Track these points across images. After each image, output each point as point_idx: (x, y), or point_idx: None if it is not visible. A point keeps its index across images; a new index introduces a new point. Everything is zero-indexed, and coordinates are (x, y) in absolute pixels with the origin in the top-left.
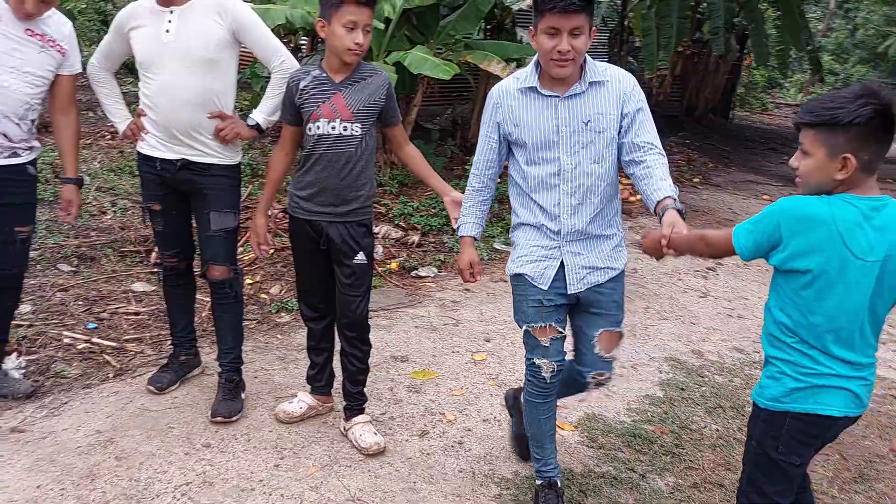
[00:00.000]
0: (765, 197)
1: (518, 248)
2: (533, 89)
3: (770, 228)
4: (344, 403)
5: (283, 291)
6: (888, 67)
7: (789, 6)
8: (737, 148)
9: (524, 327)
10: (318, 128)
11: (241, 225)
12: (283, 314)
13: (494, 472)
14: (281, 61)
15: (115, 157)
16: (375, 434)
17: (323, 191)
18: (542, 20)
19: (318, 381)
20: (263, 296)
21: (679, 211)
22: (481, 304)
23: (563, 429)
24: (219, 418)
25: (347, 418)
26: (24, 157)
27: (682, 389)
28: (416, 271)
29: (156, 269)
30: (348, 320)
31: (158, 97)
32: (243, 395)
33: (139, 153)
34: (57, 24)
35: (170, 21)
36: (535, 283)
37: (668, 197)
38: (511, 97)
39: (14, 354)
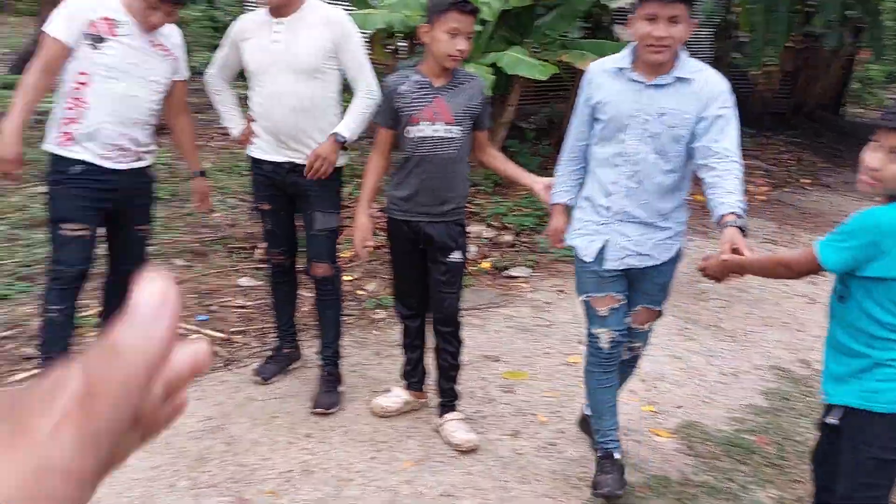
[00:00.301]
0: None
1: (575, 222)
2: (622, 71)
3: (867, 243)
4: (438, 400)
5: (379, 288)
6: None
7: (875, 17)
8: (850, 147)
9: (582, 297)
10: (420, 131)
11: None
12: (378, 310)
13: (587, 475)
14: (368, 89)
15: (224, 157)
16: (469, 431)
17: (423, 192)
18: (642, 7)
19: (413, 376)
20: (361, 292)
21: (741, 229)
22: (574, 305)
23: (659, 435)
24: (319, 410)
25: (441, 415)
26: (147, 161)
27: (787, 399)
28: (508, 271)
29: (261, 266)
30: (442, 315)
31: (267, 104)
32: (341, 388)
33: (250, 156)
34: (170, 33)
35: (277, 31)
36: (580, 256)
37: (732, 213)
38: (603, 75)
39: None
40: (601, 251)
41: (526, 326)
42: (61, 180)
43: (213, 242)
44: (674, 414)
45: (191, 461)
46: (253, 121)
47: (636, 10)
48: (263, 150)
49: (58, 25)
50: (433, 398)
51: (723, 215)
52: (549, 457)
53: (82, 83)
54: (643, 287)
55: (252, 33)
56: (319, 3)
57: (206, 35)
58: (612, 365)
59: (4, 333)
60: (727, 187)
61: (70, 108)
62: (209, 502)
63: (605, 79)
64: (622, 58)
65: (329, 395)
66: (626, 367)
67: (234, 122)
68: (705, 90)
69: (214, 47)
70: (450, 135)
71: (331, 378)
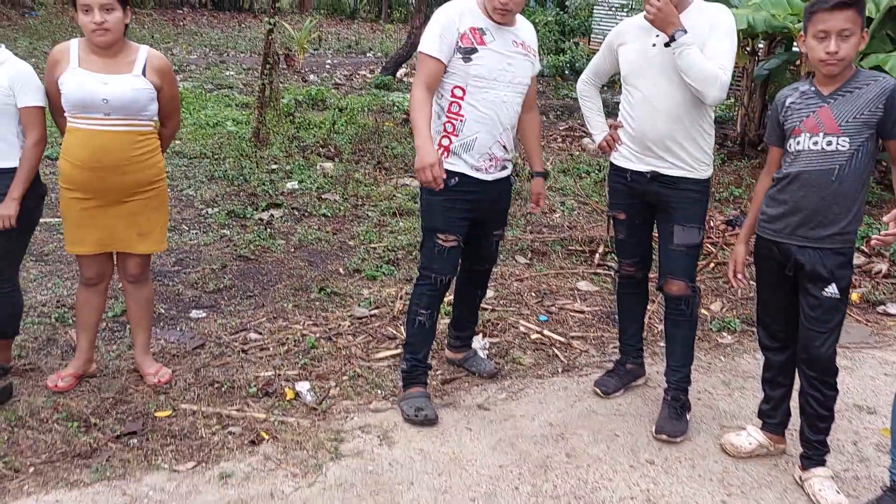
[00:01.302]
0: None
1: None
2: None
3: None
4: (800, 450)
5: (724, 309)
6: None
7: None
8: None
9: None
10: (799, 143)
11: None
12: (724, 334)
13: None
14: (720, 65)
15: (565, 159)
16: (838, 493)
17: (797, 211)
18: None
19: (772, 417)
20: (704, 311)
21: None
22: None
23: None
24: (663, 436)
25: (805, 467)
26: (510, 169)
27: None
28: (883, 306)
29: (600, 271)
30: (808, 356)
31: (638, 108)
32: (688, 416)
33: (611, 163)
34: (528, 30)
35: (657, 35)
36: None
37: None
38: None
39: (480, 335)
40: None
41: None
42: (440, 191)
43: (553, 243)
44: None
45: (533, 467)
46: (619, 126)
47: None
48: (626, 157)
49: (432, 43)
50: (793, 445)
51: None
52: None
53: (458, 97)
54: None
55: (630, 37)
56: (707, 4)
57: (552, 39)
58: None
59: (373, 311)
60: None
61: (448, 122)
62: None
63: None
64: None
65: (675, 421)
66: None
67: (598, 129)
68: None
69: (559, 51)
70: (832, 147)
71: (677, 404)
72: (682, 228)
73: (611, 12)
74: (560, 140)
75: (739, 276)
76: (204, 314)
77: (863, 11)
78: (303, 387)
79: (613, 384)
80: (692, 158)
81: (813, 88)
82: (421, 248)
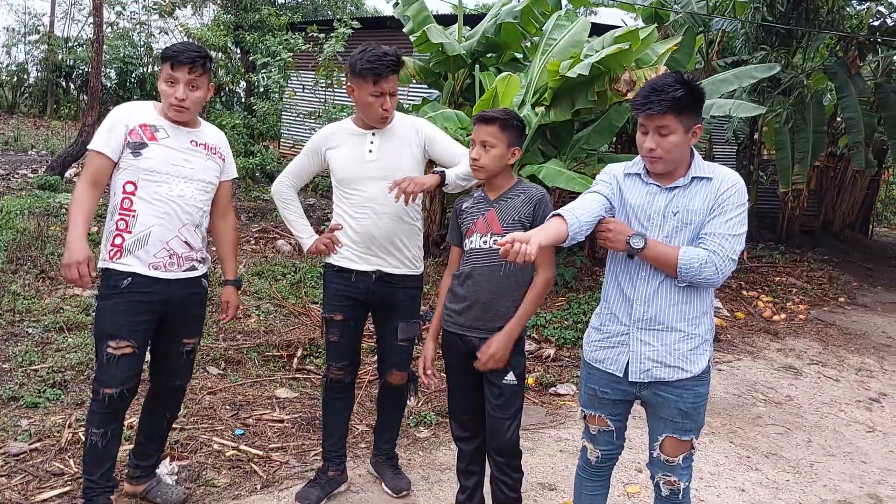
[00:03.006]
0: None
1: (593, 332)
2: (637, 175)
3: None
4: None
5: (420, 404)
6: None
7: None
8: (880, 266)
9: (580, 407)
10: (472, 242)
11: None
12: (421, 428)
13: None
14: (464, 152)
15: (259, 261)
16: None
17: (475, 304)
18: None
19: None
20: None
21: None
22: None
23: None
24: (404, 492)
25: None
26: (200, 270)
27: None
28: (554, 388)
29: (297, 375)
30: (497, 444)
31: (361, 211)
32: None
33: (329, 265)
34: (212, 133)
35: (372, 142)
36: (605, 369)
37: None
38: (622, 177)
39: (167, 459)
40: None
41: (578, 450)
42: (110, 295)
43: (249, 350)
44: None
45: None
46: (338, 228)
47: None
48: (349, 258)
49: (99, 139)
50: None
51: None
52: None
53: (130, 192)
54: (664, 412)
55: (339, 142)
56: (402, 114)
57: (241, 142)
58: (599, 477)
59: (34, 445)
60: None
61: (120, 219)
62: None
63: (624, 180)
64: (635, 164)
65: (402, 476)
66: None
67: (306, 233)
68: (722, 185)
69: (249, 153)
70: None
71: (392, 462)
72: (405, 324)
73: (299, 118)
74: (254, 242)
75: (429, 371)
76: None
77: (508, 129)
78: None
79: (316, 495)
80: (412, 256)
81: (483, 194)
82: (95, 362)
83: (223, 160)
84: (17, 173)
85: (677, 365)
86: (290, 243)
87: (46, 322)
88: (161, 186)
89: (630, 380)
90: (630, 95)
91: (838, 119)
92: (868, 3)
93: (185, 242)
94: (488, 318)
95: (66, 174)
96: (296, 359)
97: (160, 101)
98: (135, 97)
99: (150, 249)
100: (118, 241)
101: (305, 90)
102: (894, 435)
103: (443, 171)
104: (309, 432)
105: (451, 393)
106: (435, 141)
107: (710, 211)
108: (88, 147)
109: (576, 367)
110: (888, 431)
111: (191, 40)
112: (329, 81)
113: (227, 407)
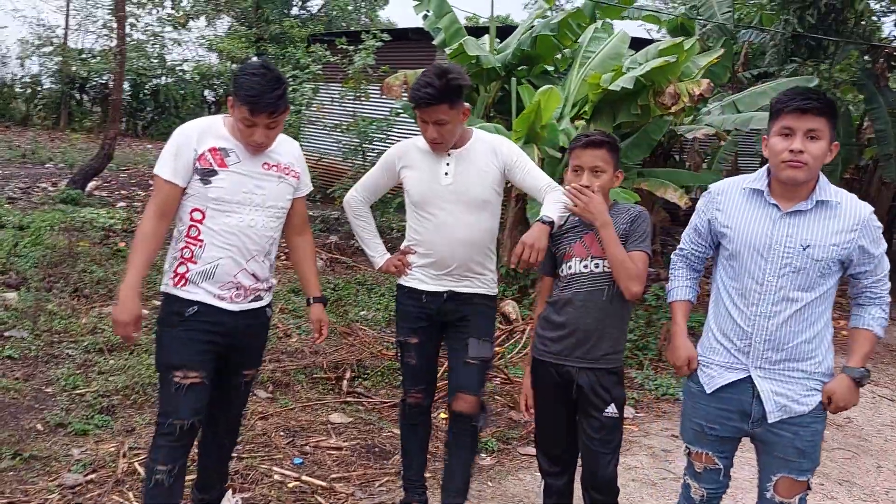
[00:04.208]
0: None
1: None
2: (757, 193)
3: None
4: None
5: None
6: None
7: None
8: None
9: (684, 443)
10: (570, 267)
11: None
12: (483, 455)
13: None
14: (549, 183)
15: (293, 277)
16: None
17: (575, 332)
18: (776, 121)
19: None
20: None
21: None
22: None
23: None
24: None
25: None
26: (266, 300)
27: None
28: None
29: (349, 399)
30: (595, 481)
31: (434, 235)
32: None
33: (400, 286)
34: (287, 148)
35: (448, 164)
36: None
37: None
38: (731, 195)
39: (230, 491)
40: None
41: (651, 480)
42: (175, 322)
43: (296, 372)
44: None
45: None
46: (410, 252)
47: (769, 128)
48: (421, 279)
49: (166, 165)
50: None
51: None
52: None
53: (197, 221)
54: (779, 451)
55: (416, 162)
56: (484, 133)
57: None
58: None
59: (89, 476)
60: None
61: (185, 248)
62: None
63: (733, 199)
64: (756, 179)
65: None
66: None
67: (378, 251)
68: (850, 215)
69: None
70: (599, 269)
71: None
72: (477, 342)
73: (324, 130)
74: (284, 257)
75: (530, 402)
76: None
77: (614, 151)
78: None
79: None
80: (485, 277)
81: (576, 217)
82: (159, 392)
83: (297, 178)
84: (38, 186)
85: (797, 400)
86: (321, 258)
87: (86, 343)
88: (230, 217)
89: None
90: (674, 109)
91: (865, 130)
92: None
93: (253, 275)
94: (589, 347)
95: (88, 187)
96: (345, 381)
97: (228, 116)
98: (148, 109)
99: (215, 283)
100: (182, 269)
101: (333, 102)
102: None
103: (551, 220)
104: (369, 460)
105: (542, 425)
106: (517, 167)
107: (843, 251)
108: (155, 172)
109: (630, 389)
110: None
111: (218, 54)
112: (357, 94)
113: (282, 433)
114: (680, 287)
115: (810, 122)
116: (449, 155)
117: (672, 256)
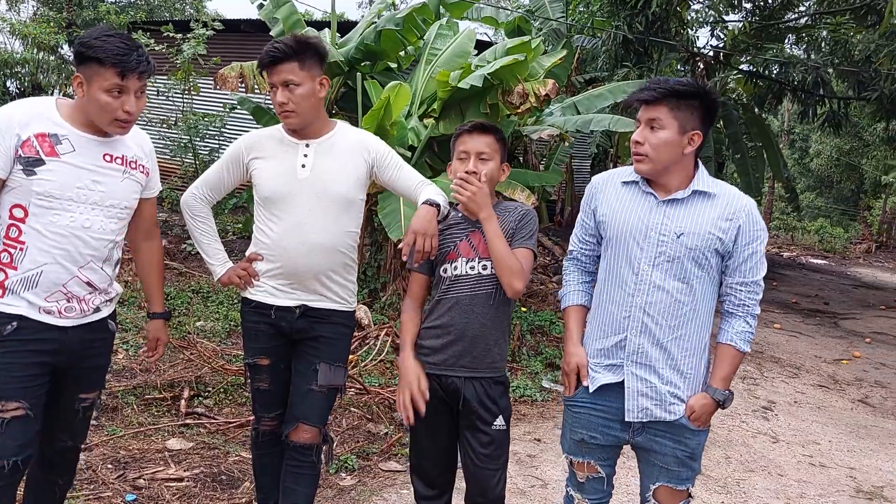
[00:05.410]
0: (776, 326)
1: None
2: (634, 183)
3: None
4: None
5: (337, 444)
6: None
7: (769, 141)
8: None
9: (564, 454)
10: (455, 268)
11: None
12: (343, 474)
13: None
14: (422, 180)
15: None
16: None
17: (461, 339)
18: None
19: None
20: None
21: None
22: (559, 456)
23: None
24: None
25: None
26: (105, 312)
27: None
28: None
29: (188, 421)
30: (485, 499)
31: (287, 239)
32: None
33: (246, 300)
34: (133, 139)
35: (306, 155)
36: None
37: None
38: (608, 186)
39: None
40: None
41: (520, 489)
42: None
43: (124, 393)
44: None
45: None
46: (257, 259)
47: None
48: (269, 292)
49: None
50: None
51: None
52: None
53: (18, 219)
54: (658, 460)
55: (268, 151)
56: (350, 126)
57: None
58: None
59: None
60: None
61: (4, 251)
62: None
63: (612, 190)
64: (633, 171)
65: None
66: None
67: (218, 259)
68: (727, 204)
69: None
70: (488, 271)
71: None
72: (329, 367)
73: (148, 126)
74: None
75: (418, 397)
76: None
77: (501, 142)
78: None
79: None
80: (343, 290)
81: (461, 214)
82: None
83: (146, 174)
84: None
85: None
86: None
87: None
88: (60, 216)
89: (625, 419)
90: (522, 109)
91: None
92: (709, 26)
93: (88, 283)
94: (476, 354)
95: None
96: (183, 401)
97: (62, 98)
98: None
99: (40, 293)
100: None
101: (160, 95)
102: (796, 444)
103: (437, 203)
104: (216, 490)
105: (418, 445)
106: (388, 165)
107: (719, 241)
108: None
109: None
110: (790, 441)
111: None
112: (187, 86)
113: (110, 466)
114: (572, 292)
115: (649, 111)
116: (307, 146)
117: (564, 262)
